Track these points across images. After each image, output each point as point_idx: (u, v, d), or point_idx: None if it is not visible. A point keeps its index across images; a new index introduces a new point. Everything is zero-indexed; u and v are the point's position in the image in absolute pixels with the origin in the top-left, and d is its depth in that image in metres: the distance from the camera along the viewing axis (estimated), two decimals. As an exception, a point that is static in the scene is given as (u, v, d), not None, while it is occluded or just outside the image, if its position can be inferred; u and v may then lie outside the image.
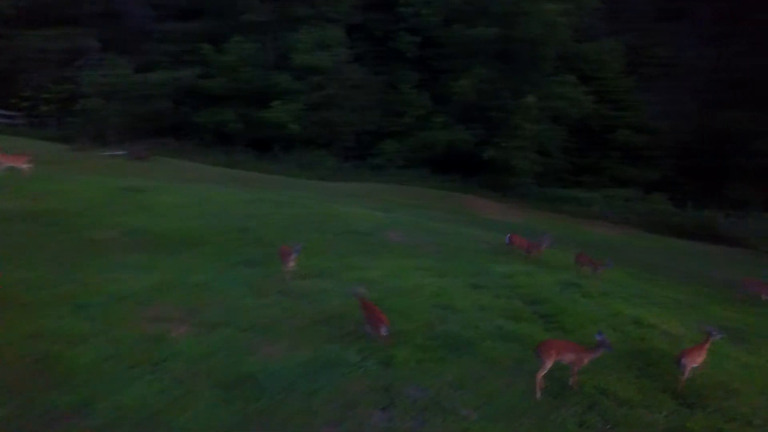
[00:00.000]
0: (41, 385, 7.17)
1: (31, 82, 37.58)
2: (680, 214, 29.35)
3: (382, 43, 39.83)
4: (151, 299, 9.97)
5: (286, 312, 9.81)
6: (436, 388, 7.64)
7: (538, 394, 7.51)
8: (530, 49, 32.26)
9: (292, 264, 11.83)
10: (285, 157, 35.74)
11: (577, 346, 7.96)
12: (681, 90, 40.60)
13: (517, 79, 33.27)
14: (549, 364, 7.54)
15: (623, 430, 7.19)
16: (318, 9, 38.11)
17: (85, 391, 7.11)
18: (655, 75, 41.01)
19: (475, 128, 33.80)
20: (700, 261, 22.91)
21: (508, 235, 17.43)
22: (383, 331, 8.52)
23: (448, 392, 7.58)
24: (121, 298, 9.92)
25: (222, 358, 8.05)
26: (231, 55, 36.45)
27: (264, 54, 37.65)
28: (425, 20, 37.13)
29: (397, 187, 31.71)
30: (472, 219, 25.30)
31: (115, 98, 36.09)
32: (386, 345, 8.56)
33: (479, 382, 7.87)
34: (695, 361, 8.20)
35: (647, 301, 13.45)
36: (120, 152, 31.23)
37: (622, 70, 38.34)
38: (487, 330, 9.62)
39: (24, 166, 19.89)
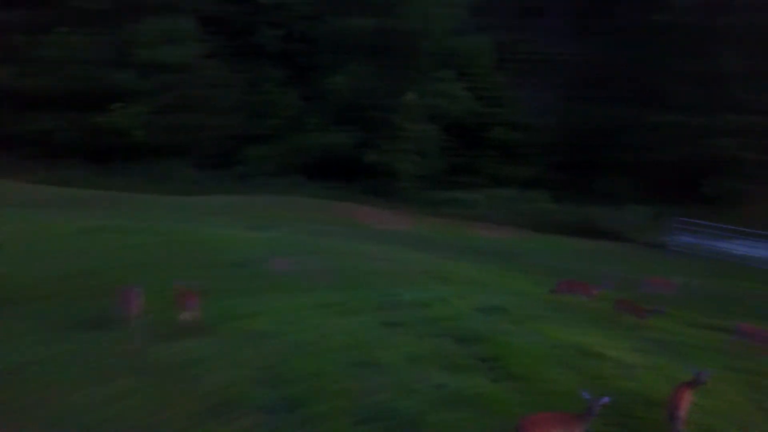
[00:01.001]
0: None
1: None
2: (561, 211, 30.01)
3: (240, 37, 36.71)
4: (-72, 408, 6.73)
5: (147, 404, 7.11)
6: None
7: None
8: (409, 43, 31.26)
9: (136, 312, 9.21)
10: (130, 170, 31.29)
11: (563, 415, 6.36)
12: (548, 86, 42.29)
13: (396, 75, 32.12)
14: (535, 450, 5.80)
15: None
16: (165, -3, 34.15)
17: None
18: (523, 71, 42.27)
19: (352, 130, 32.08)
20: (591, 259, 23.15)
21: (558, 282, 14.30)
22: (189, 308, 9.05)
23: None
24: None
25: None
26: (53, 48, 31.15)
27: (99, 48, 32.79)
28: (290, 11, 34.70)
29: (270, 198, 29.02)
30: (359, 231, 23.51)
31: None
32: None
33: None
34: (686, 409, 6.97)
35: (573, 318, 12.52)
36: None
37: (494, 66, 38.90)
38: (427, 393, 7.71)
39: None
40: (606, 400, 6.17)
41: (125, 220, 18.70)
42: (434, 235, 24.55)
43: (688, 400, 7.06)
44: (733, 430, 7.56)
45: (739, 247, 25.15)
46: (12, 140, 31.55)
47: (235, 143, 34.38)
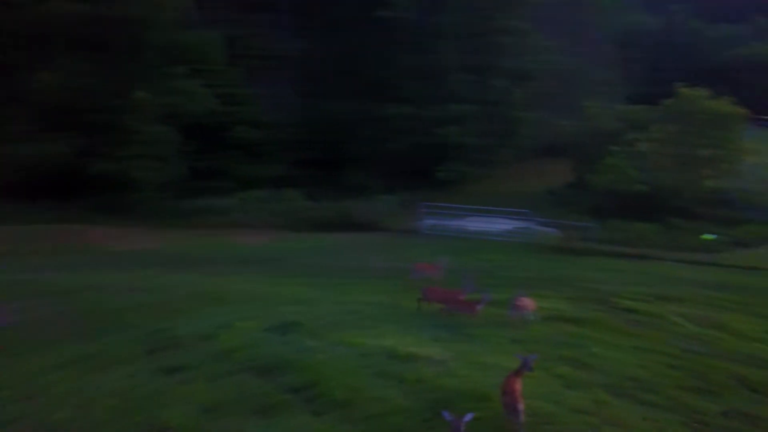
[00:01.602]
0: None
1: None
2: (316, 207, 29.99)
3: None
4: None
5: None
6: None
7: None
8: (131, 34, 27.45)
9: None
10: None
11: None
12: (283, 82, 42.07)
13: (120, 72, 28.02)
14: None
15: None
16: None
17: None
18: (256, 67, 41.28)
19: (70, 136, 26.99)
20: (357, 252, 23.44)
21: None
22: None
23: None
24: None
25: None
26: None
27: None
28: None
29: (-37, 230, 22.97)
30: (98, 258, 19.95)
31: None
32: None
33: None
34: (522, 399, 6.86)
35: (366, 317, 12.15)
36: None
37: (227, 63, 37.13)
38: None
39: None
40: (470, 417, 5.63)
41: None
42: (191, 250, 22.19)
43: (520, 389, 6.98)
44: (550, 406, 7.77)
45: (475, 224, 28.18)
46: None
47: None
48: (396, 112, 33.74)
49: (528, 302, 12.31)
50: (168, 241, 24.16)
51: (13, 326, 11.01)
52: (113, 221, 26.21)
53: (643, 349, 11.26)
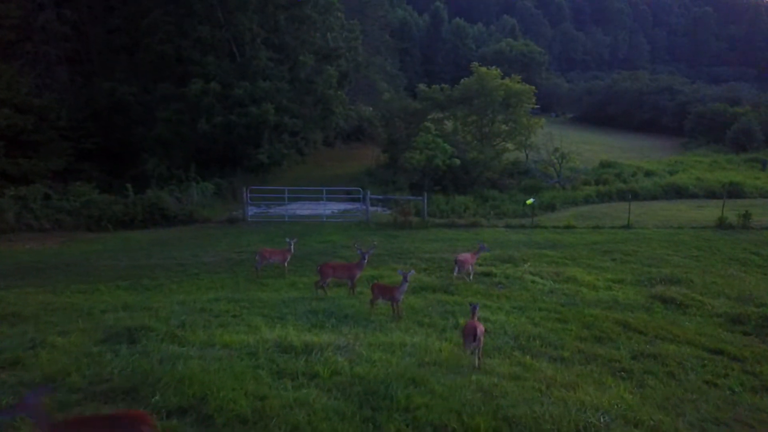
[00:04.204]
0: None
1: None
2: (120, 202, 25.62)
3: None
4: None
5: None
6: None
7: None
8: None
9: None
10: None
11: None
12: (51, 59, 35.74)
13: None
14: None
15: None
16: None
17: None
18: (15, 40, 34.36)
19: None
20: (180, 248, 20.28)
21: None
22: None
23: None
24: None
25: None
26: None
27: None
28: None
29: None
30: None
31: None
32: None
33: None
34: None
35: (222, 314, 10.33)
36: None
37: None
38: None
39: None
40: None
41: None
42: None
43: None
44: (484, 377, 6.95)
45: (305, 208, 26.81)
46: None
47: None
48: (199, 89, 30.36)
49: (468, 257, 13.29)
50: None
51: None
52: None
53: (523, 308, 11.15)
